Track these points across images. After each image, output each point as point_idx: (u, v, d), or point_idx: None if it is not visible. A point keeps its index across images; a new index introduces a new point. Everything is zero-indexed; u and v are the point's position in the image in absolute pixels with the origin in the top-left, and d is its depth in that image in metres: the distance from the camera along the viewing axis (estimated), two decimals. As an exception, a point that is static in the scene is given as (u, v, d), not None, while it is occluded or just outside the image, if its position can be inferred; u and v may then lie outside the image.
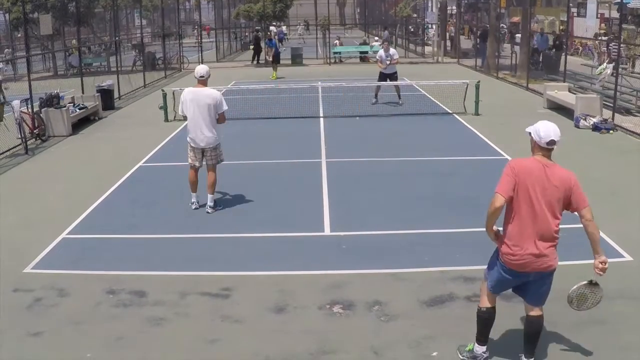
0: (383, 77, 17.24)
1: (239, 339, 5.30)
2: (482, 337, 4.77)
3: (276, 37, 30.41)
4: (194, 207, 8.54)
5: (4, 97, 18.55)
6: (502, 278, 4.65)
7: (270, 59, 26.42)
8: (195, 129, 8.19)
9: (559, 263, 6.94)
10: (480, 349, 4.79)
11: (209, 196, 8.44)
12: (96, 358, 5.05)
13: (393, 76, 17.24)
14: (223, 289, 6.19)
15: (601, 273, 4.63)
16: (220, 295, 6.08)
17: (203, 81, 8.26)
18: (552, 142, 4.63)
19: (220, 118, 8.25)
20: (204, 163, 8.42)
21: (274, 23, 34.79)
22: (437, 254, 6.95)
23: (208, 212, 8.38)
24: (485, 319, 4.76)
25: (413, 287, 6.14)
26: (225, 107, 8.25)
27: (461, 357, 4.86)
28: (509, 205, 4.64)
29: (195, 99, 8.15)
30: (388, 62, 16.94)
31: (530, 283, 4.70)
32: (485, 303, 4.76)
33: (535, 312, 4.74)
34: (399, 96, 17.20)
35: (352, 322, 5.54)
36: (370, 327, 5.42)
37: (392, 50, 17.50)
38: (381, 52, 17.47)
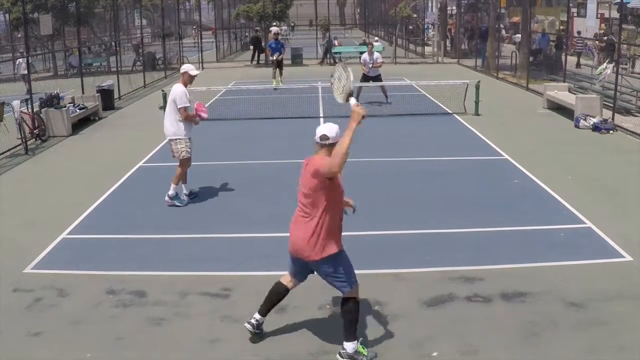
0: (366, 79, 17.21)
1: (239, 339, 5.30)
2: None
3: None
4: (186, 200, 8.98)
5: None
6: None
7: (275, 64, 21.72)
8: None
9: (559, 263, 6.92)
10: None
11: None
12: (96, 358, 5.05)
13: (377, 78, 17.23)
14: (223, 289, 6.19)
15: None
16: (220, 295, 6.08)
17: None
18: (323, 137, 4.88)
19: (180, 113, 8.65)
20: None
21: (274, 23, 34.67)
22: (437, 254, 6.95)
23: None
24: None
25: (413, 287, 6.14)
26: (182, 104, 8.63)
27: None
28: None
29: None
30: (371, 65, 16.99)
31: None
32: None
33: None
34: (386, 96, 17.21)
35: (352, 322, 5.53)
36: (370, 327, 5.41)
37: (376, 54, 17.45)
38: (365, 56, 17.44)
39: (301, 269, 5.10)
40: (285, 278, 5.27)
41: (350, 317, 4.91)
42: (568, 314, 5.56)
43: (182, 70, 8.87)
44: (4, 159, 12.07)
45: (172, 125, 8.67)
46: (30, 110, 13.37)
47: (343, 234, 7.62)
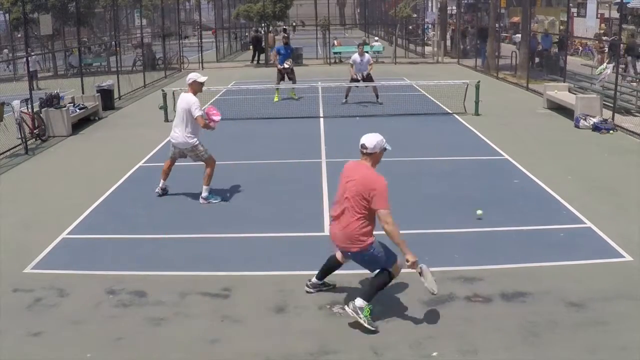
0: (356, 79, 17.08)
1: (239, 339, 5.30)
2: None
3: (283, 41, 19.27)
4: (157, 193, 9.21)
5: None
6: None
7: (281, 75, 18.33)
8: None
9: (559, 263, 6.94)
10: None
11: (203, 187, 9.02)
12: (96, 358, 5.05)
13: (368, 78, 17.05)
14: (223, 289, 6.19)
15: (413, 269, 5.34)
16: (220, 295, 6.08)
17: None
18: (362, 146, 5.46)
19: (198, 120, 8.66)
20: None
21: (279, 24, 34.59)
22: (437, 254, 6.94)
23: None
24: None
25: (413, 287, 6.13)
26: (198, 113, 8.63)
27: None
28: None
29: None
30: (366, 72, 16.81)
31: None
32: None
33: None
34: (377, 96, 17.07)
35: (352, 322, 5.53)
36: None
37: (367, 56, 17.18)
38: (355, 56, 17.06)
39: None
40: (338, 254, 5.83)
41: (377, 282, 5.45)
42: (568, 314, 5.56)
43: (189, 80, 8.75)
44: (4, 159, 12.07)
45: (189, 135, 8.73)
46: (30, 110, 13.37)
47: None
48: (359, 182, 5.30)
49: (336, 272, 6.07)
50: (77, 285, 6.35)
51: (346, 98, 17.18)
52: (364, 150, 5.39)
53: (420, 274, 5.35)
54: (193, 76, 8.73)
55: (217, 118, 8.87)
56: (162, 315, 5.70)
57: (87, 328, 5.51)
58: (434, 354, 4.98)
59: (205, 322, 5.59)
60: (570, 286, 6.09)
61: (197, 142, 8.82)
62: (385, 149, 5.48)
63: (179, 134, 8.79)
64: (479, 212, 7.94)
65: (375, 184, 5.27)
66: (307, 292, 6.02)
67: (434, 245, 7.29)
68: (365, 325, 5.24)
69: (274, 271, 6.63)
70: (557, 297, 5.86)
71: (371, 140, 5.38)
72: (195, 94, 8.71)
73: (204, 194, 8.88)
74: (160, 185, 9.22)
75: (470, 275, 6.35)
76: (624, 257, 6.77)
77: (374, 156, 5.41)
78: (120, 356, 5.09)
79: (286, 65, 18.01)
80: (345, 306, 5.40)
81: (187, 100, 8.64)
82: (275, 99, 18.09)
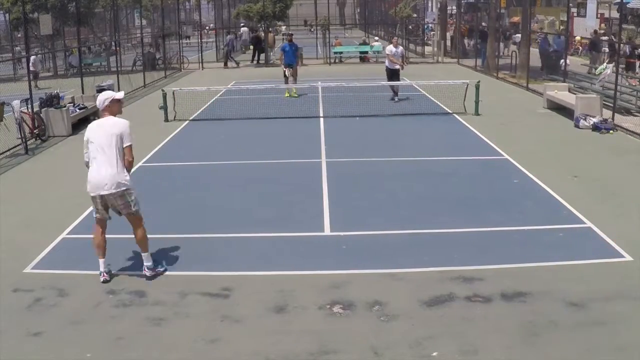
0: (390, 73, 17.72)
1: (239, 339, 5.30)
2: None
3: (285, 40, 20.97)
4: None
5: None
6: None
7: (289, 73, 19.00)
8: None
9: (559, 263, 6.97)
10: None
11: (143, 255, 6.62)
12: (96, 358, 5.05)
13: (395, 74, 17.69)
14: (223, 289, 6.19)
15: None
16: (220, 295, 6.08)
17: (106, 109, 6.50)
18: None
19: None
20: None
21: (278, 23, 34.58)
22: (436, 254, 6.95)
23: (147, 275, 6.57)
24: None
25: (413, 287, 6.14)
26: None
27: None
28: None
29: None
30: (403, 65, 17.77)
31: None
32: None
33: None
34: (396, 93, 17.55)
35: (352, 322, 5.53)
36: (370, 327, 5.42)
37: (400, 48, 18.07)
38: (391, 47, 17.90)
39: None
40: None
41: None
42: (568, 314, 5.56)
43: (105, 101, 6.41)
44: (4, 159, 12.07)
45: (119, 173, 6.28)
46: (30, 110, 13.37)
47: (343, 233, 7.64)
48: None
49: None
50: (77, 285, 6.35)
51: (396, 95, 17.61)
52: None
53: None
54: (109, 94, 6.52)
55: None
56: (162, 315, 5.70)
57: (87, 328, 5.51)
58: (434, 354, 4.98)
59: (205, 322, 5.59)
60: (570, 286, 6.09)
61: (130, 187, 6.41)
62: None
63: (105, 174, 6.24)
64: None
65: None
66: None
67: (434, 245, 7.29)
68: None
69: (274, 271, 6.63)
70: (557, 297, 5.86)
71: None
72: (115, 116, 6.48)
73: (147, 262, 6.53)
74: (102, 268, 6.50)
75: (470, 275, 6.35)
76: (624, 257, 6.77)
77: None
78: (120, 356, 5.09)
79: (296, 65, 19.18)
80: None
81: (117, 124, 6.33)
82: (287, 95, 18.77)
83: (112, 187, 6.26)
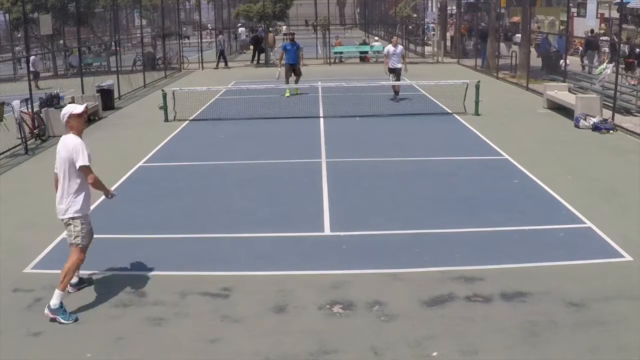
0: (391, 72, 17.75)
1: (239, 339, 5.30)
2: None
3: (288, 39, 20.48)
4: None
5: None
6: None
7: (290, 71, 19.16)
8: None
9: (559, 263, 6.96)
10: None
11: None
12: (96, 358, 5.05)
13: (399, 71, 17.73)
14: (223, 289, 6.19)
15: None
16: (220, 295, 6.08)
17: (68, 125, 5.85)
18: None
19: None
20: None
21: (279, 23, 34.55)
22: (437, 254, 6.95)
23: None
24: None
25: (413, 287, 6.14)
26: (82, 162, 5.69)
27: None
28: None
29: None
30: (400, 65, 17.56)
31: None
32: None
33: None
34: (397, 93, 17.57)
35: (352, 322, 5.53)
36: (370, 327, 5.42)
37: (399, 47, 17.99)
38: (390, 47, 17.85)
39: None
40: None
41: None
42: (568, 314, 5.56)
43: (63, 117, 5.78)
44: (4, 159, 12.07)
45: (64, 198, 5.78)
46: (30, 110, 13.37)
47: (343, 233, 7.66)
48: None
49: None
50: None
51: (397, 94, 17.66)
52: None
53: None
54: (67, 109, 5.80)
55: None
56: (162, 315, 5.70)
57: (87, 328, 5.51)
58: (434, 354, 4.98)
59: (205, 322, 5.59)
60: (570, 286, 6.09)
61: (79, 213, 5.75)
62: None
63: (57, 198, 5.85)
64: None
65: None
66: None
67: (434, 245, 7.29)
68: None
69: (274, 271, 6.63)
70: (557, 297, 5.86)
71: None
72: (79, 133, 5.81)
73: (54, 300, 5.58)
74: (73, 280, 6.05)
75: (471, 275, 6.35)
76: (624, 257, 6.77)
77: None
78: (120, 356, 5.09)
79: (299, 64, 19.31)
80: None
81: (65, 146, 5.73)
82: (287, 94, 18.78)
83: (59, 214, 5.83)
